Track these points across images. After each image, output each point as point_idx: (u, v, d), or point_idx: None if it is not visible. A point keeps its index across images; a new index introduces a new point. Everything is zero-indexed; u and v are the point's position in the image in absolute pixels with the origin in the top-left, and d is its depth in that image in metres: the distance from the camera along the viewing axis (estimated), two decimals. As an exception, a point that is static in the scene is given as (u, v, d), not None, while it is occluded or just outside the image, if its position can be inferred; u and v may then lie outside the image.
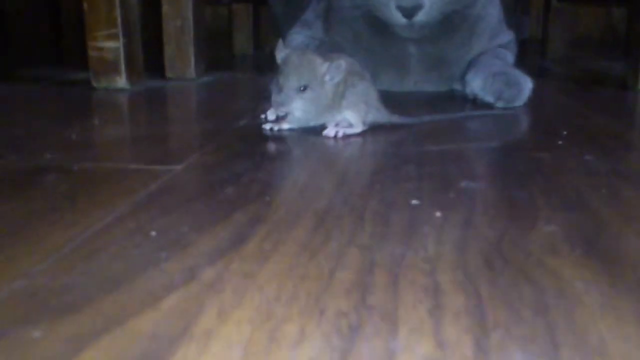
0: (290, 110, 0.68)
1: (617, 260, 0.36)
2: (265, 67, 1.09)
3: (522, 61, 1.26)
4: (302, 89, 0.66)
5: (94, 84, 1.05)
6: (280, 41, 0.70)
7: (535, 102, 0.92)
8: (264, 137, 0.69)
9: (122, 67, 1.04)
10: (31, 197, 0.47)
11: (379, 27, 0.99)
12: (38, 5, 2.26)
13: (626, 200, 0.48)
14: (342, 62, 0.67)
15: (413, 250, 0.37)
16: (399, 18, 0.91)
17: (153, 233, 0.39)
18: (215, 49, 1.81)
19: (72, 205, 0.46)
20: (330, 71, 0.67)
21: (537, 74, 1.46)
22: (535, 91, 0.92)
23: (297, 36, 1.13)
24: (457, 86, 1.04)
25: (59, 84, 1.14)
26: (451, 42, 1.00)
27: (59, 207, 0.45)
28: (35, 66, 1.44)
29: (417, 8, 0.89)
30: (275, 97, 0.67)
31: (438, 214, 0.44)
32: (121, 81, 1.05)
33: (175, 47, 1.19)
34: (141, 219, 0.42)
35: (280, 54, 0.68)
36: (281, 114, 0.70)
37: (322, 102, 0.68)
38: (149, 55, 1.15)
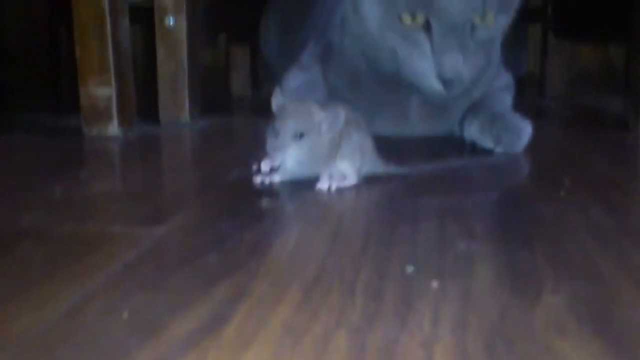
0: (285, 157, 0.65)
1: (630, 340, 0.33)
2: (263, 109, 1.07)
3: (521, 99, 1.25)
4: (298, 135, 0.64)
5: (85, 131, 1.03)
6: (277, 89, 0.68)
7: (535, 146, 0.89)
8: (254, 192, 0.66)
9: (114, 113, 1.02)
10: (3, 268, 0.45)
11: (381, 74, 0.97)
12: (37, 50, 2.26)
13: (637, 264, 0.45)
14: (341, 112, 0.65)
15: (408, 333, 0.34)
16: (437, 87, 0.90)
17: (126, 314, 0.36)
18: (212, 90, 1.80)
19: (43, 279, 0.43)
20: (328, 120, 0.64)
21: (536, 113, 1.44)
22: (534, 133, 0.89)
23: (294, 79, 1.11)
24: (457, 131, 1.02)
25: (50, 131, 1.12)
26: None
27: (30, 282, 0.42)
28: (29, 112, 1.43)
29: (459, 80, 0.88)
30: (271, 142, 0.64)
31: (435, 284, 0.41)
32: (113, 128, 1.03)
33: (169, 91, 1.17)
34: (115, 296, 0.39)
35: (276, 102, 0.66)
36: (276, 162, 0.67)
37: (318, 151, 0.65)
38: (143, 98, 1.14)
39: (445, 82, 0.88)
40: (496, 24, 0.90)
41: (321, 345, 0.33)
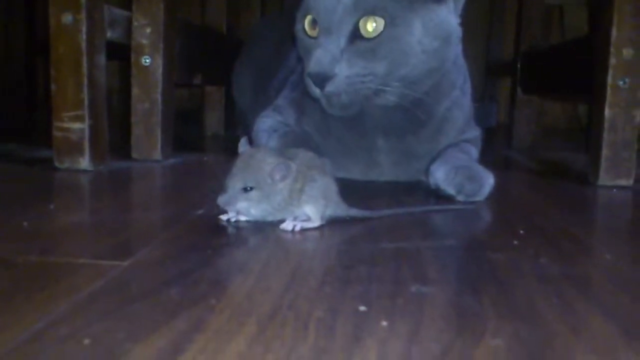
0: (235, 211, 0.68)
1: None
2: (234, 148, 1.09)
3: (489, 150, 1.29)
4: (247, 189, 0.67)
5: (57, 164, 1.04)
6: (243, 138, 0.71)
7: (497, 195, 0.93)
8: (219, 229, 0.68)
9: (86, 148, 1.04)
10: (-34, 294, 0.46)
11: (351, 120, 1.00)
12: (13, 81, 2.27)
13: (577, 312, 0.47)
14: (290, 163, 0.68)
15: (353, 367, 0.36)
16: (313, 89, 0.91)
17: (86, 341, 0.38)
18: (186, 129, 1.83)
19: (7, 306, 0.44)
20: (277, 171, 0.67)
21: (503, 164, 1.49)
22: (498, 184, 0.93)
23: (267, 120, 1.14)
24: (423, 177, 1.05)
25: (22, 162, 1.13)
26: (418, 137, 1.01)
27: (-7, 308, 0.43)
28: (3, 142, 1.43)
29: (326, 78, 0.89)
30: (220, 198, 0.67)
31: (384, 323, 0.43)
32: (84, 162, 1.04)
33: (142, 129, 1.20)
34: (77, 323, 0.41)
35: (240, 149, 0.69)
36: (231, 213, 0.70)
37: (275, 200, 0.68)
38: (117, 133, 1.15)
39: (316, 81, 0.89)
40: (382, 34, 0.88)
41: (271, 376, 0.34)
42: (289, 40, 1.33)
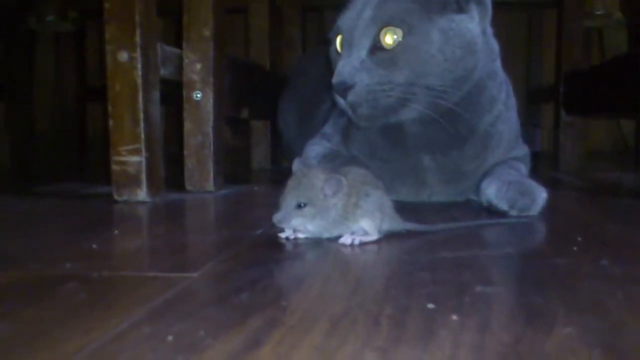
0: (291, 228, 0.70)
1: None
2: (282, 180, 1.12)
3: (535, 173, 1.28)
4: (301, 205, 0.68)
5: (116, 196, 1.08)
6: (297, 159, 0.73)
7: (549, 211, 0.93)
8: (279, 245, 0.70)
9: (144, 180, 1.08)
10: (51, 305, 0.48)
11: (395, 139, 1.02)
12: (66, 124, 2.36)
13: (644, 304, 0.47)
14: (341, 178, 0.69)
15: (430, 353, 0.37)
16: (338, 99, 0.95)
17: (170, 338, 0.40)
18: (234, 165, 1.86)
19: (90, 312, 0.46)
20: (329, 186, 0.69)
21: (551, 184, 1.48)
22: (549, 201, 0.93)
23: (316, 147, 1.16)
24: (473, 196, 1.06)
25: (80, 198, 1.17)
26: (463, 155, 1.02)
27: (78, 314, 0.45)
28: (58, 182, 1.48)
29: (347, 87, 0.92)
30: (275, 215, 0.69)
31: (454, 317, 0.43)
32: (142, 194, 1.08)
33: (195, 161, 1.23)
34: (158, 325, 0.42)
35: (294, 168, 0.71)
36: (288, 231, 0.72)
37: (330, 215, 0.70)
38: (170, 167, 1.19)
39: (339, 91, 0.93)
40: (400, 44, 0.92)
41: (350, 363, 0.36)
42: (331, 71, 1.37)
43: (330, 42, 1.03)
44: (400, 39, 0.92)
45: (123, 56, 1.05)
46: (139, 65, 1.05)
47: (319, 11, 2.34)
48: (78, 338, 0.40)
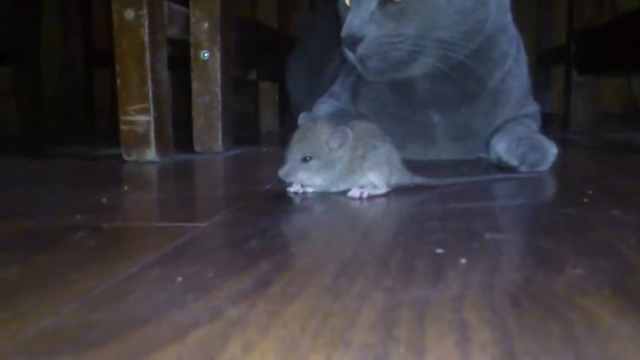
0: (298, 182, 0.69)
1: (647, 299, 0.36)
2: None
3: (545, 133, 1.27)
4: (306, 159, 0.68)
5: (125, 156, 1.08)
6: (303, 113, 0.72)
7: (559, 166, 0.92)
8: (288, 199, 0.70)
9: (152, 140, 1.08)
10: (62, 250, 0.48)
11: (404, 96, 1.01)
12: (73, 89, 2.35)
13: (655, 248, 0.47)
14: (347, 130, 0.69)
15: (438, 291, 0.37)
16: (347, 53, 0.94)
17: (179, 279, 0.40)
18: (242, 129, 1.86)
19: (101, 257, 0.46)
20: (334, 138, 0.68)
21: (561, 143, 1.46)
22: (559, 157, 0.92)
23: (324, 105, 1.16)
24: (483, 154, 1.05)
25: (89, 159, 1.17)
26: (473, 111, 1.01)
27: (89, 259, 0.46)
28: (66, 145, 1.49)
29: (356, 40, 0.91)
30: (280, 170, 0.68)
31: (463, 260, 0.43)
32: (151, 153, 1.08)
33: (203, 122, 1.22)
34: (168, 267, 0.43)
35: (299, 123, 0.71)
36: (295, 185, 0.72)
37: (336, 168, 0.69)
38: (178, 128, 1.19)
39: (348, 45, 0.92)
40: None
41: (360, 300, 0.36)
42: (338, 31, 1.35)
43: None
44: None
45: (130, 14, 1.04)
46: (146, 24, 1.05)
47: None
48: (89, 280, 0.40)
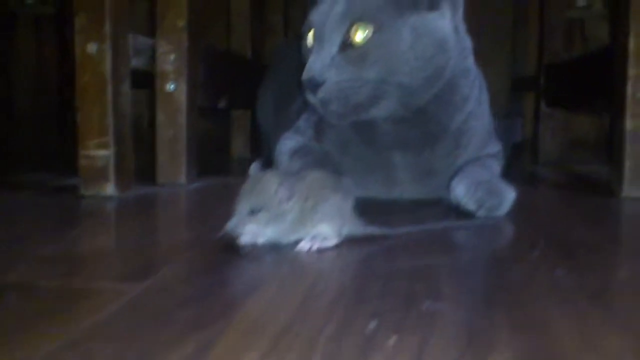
0: (243, 234, 0.68)
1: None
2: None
3: (514, 165, 1.28)
4: (254, 212, 0.67)
5: (83, 191, 1.07)
6: (255, 163, 0.72)
7: (518, 210, 0.92)
8: (237, 251, 0.69)
9: (112, 175, 1.06)
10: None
11: (366, 136, 1.02)
12: (47, 109, 2.33)
13: (590, 325, 0.47)
14: (295, 183, 0.69)
15: (359, 382, 0.36)
16: (307, 95, 0.94)
17: (99, 361, 0.39)
18: (213, 153, 1.85)
19: (24, 328, 0.45)
20: (283, 191, 0.68)
21: (527, 179, 1.47)
22: (520, 198, 0.93)
23: (288, 141, 1.15)
24: (444, 194, 1.05)
25: (50, 191, 1.16)
26: (435, 153, 1.02)
27: (11, 331, 0.45)
28: (32, 171, 1.47)
29: (316, 83, 0.91)
30: (228, 223, 0.67)
31: (393, 339, 0.43)
32: (110, 189, 1.06)
33: (167, 155, 1.22)
34: (92, 346, 0.42)
35: (251, 173, 0.70)
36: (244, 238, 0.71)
37: (286, 220, 0.69)
38: (142, 158, 1.18)
39: (309, 87, 0.92)
40: (370, 40, 0.90)
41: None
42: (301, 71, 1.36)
43: (302, 37, 1.02)
44: (370, 36, 0.91)
45: (92, 48, 1.03)
46: (108, 57, 1.04)
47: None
48: (3, 356, 0.39)
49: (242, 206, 0.68)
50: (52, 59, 2.42)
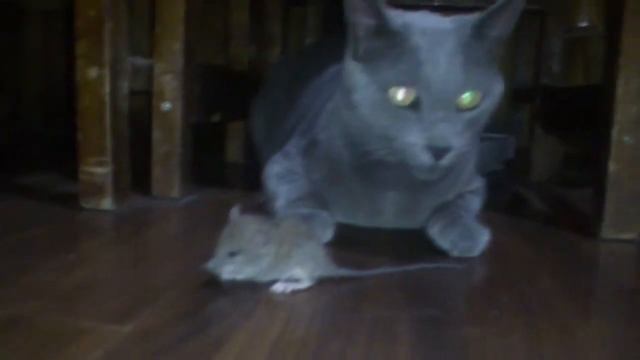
0: (221, 275, 0.74)
1: None
2: (254, 180, 1.22)
3: (504, 186, 1.33)
4: (232, 254, 0.73)
5: (82, 204, 1.13)
6: (235, 208, 0.77)
7: (492, 251, 0.98)
8: (217, 291, 0.74)
9: (109, 190, 1.13)
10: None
11: (365, 174, 1.04)
12: (54, 109, 2.36)
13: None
14: (270, 230, 0.75)
15: None
16: (427, 159, 0.90)
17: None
18: (208, 157, 1.89)
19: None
20: (259, 237, 0.74)
21: (510, 206, 1.51)
22: (496, 236, 0.99)
23: (276, 166, 1.18)
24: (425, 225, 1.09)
25: (52, 197, 1.22)
26: (429, 194, 1.06)
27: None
28: (39, 171, 1.53)
29: (447, 150, 0.89)
30: (209, 263, 0.73)
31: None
32: (107, 203, 1.12)
33: (162, 170, 1.27)
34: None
35: (231, 218, 0.76)
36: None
37: (261, 264, 0.75)
38: (139, 171, 1.23)
39: (436, 152, 0.89)
40: (480, 107, 0.92)
41: None
42: (301, 84, 1.38)
43: (382, 90, 0.92)
44: (479, 101, 0.91)
45: (93, 73, 1.08)
46: (107, 81, 1.09)
47: (302, 5, 2.32)
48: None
49: (222, 249, 0.74)
50: (60, 56, 2.42)
